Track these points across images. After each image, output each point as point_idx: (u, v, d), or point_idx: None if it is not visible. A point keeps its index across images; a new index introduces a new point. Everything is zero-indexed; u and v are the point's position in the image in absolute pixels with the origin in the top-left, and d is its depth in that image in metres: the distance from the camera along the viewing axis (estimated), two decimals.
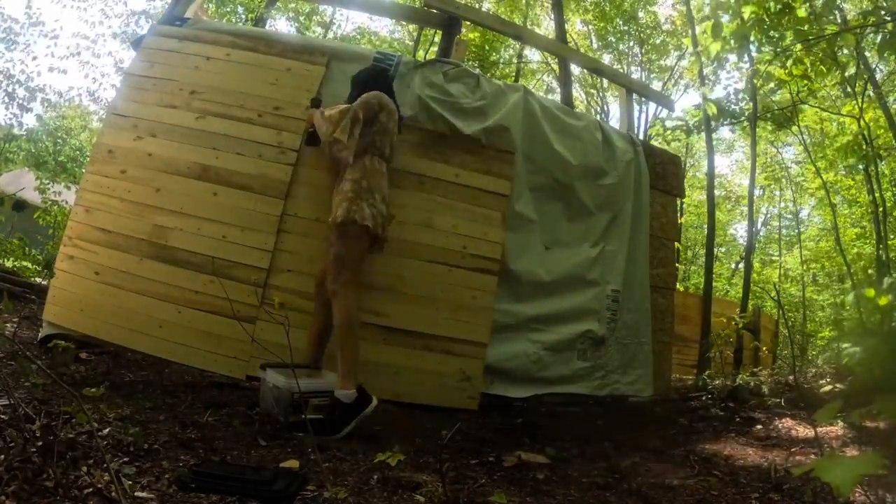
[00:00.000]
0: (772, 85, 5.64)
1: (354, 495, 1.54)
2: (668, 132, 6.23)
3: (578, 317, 3.24)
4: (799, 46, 3.95)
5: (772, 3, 3.61)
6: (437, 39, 6.66)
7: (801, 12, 3.60)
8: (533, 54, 13.45)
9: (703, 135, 5.92)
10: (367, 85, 2.63)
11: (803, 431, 2.75)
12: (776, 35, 4.01)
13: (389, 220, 2.59)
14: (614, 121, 14.59)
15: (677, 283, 5.04)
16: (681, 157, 7.19)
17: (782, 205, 16.04)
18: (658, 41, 14.17)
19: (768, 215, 17.19)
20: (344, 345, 2.31)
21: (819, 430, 2.65)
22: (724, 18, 3.79)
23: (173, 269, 2.67)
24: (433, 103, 3.07)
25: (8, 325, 2.86)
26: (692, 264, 15.73)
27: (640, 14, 13.56)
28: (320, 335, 2.51)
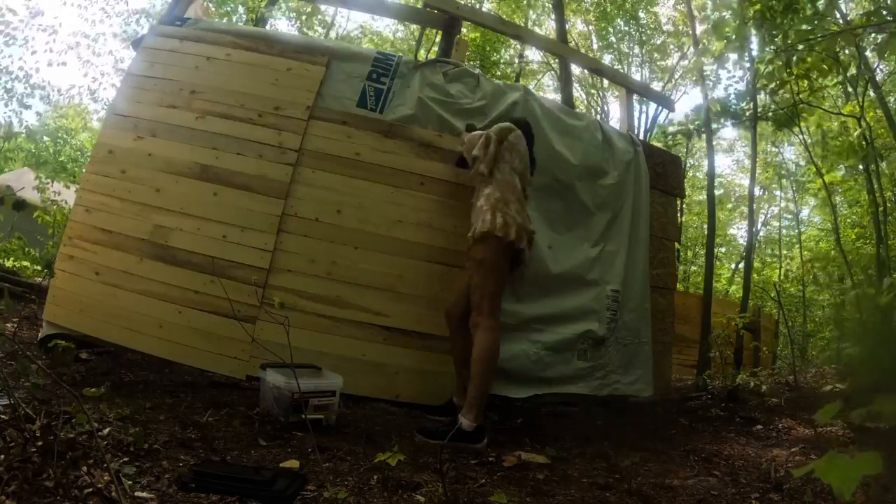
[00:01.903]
0: (772, 85, 5.64)
1: (354, 495, 1.54)
2: (668, 138, 6.23)
3: (578, 317, 3.24)
4: (800, 46, 3.95)
5: (774, 2, 3.62)
6: (437, 39, 6.67)
7: (806, 11, 3.60)
8: (533, 54, 13.46)
9: (703, 136, 5.92)
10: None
11: (803, 431, 2.75)
12: (778, 34, 4.01)
13: (529, 233, 2.55)
14: (614, 121, 14.60)
15: (677, 283, 5.04)
16: (681, 157, 7.19)
17: (782, 205, 16.04)
18: (659, 42, 14.17)
19: (768, 215, 17.19)
20: (479, 378, 2.32)
21: (819, 430, 2.65)
22: (726, 16, 3.80)
23: (173, 269, 2.67)
24: (433, 103, 3.07)
25: (8, 325, 2.86)
26: (692, 264, 15.73)
27: (641, 14, 13.56)
28: (465, 361, 2.45)
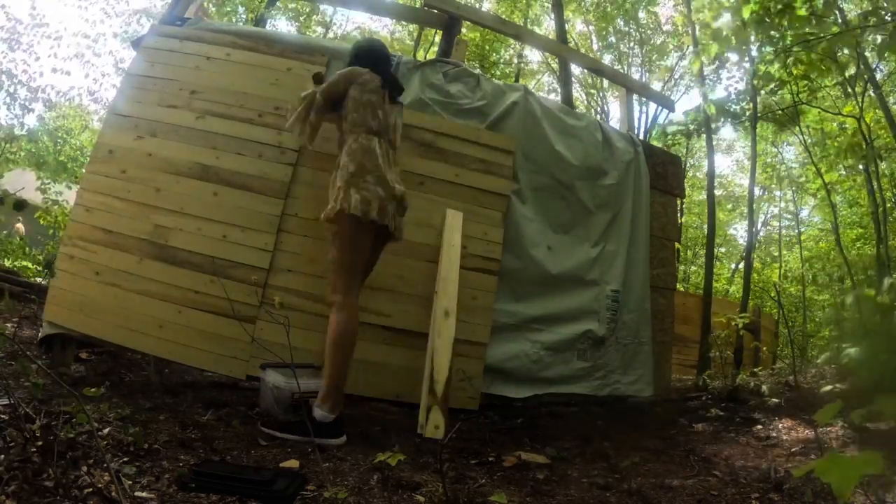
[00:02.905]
0: (772, 85, 5.64)
1: (354, 495, 1.54)
2: (668, 137, 6.23)
3: (578, 317, 3.24)
4: (798, 47, 3.95)
5: (772, 3, 3.62)
6: (437, 39, 6.67)
7: (802, 12, 3.60)
8: (533, 54, 13.47)
9: (703, 136, 5.92)
10: (353, 61, 2.53)
11: (803, 432, 2.75)
12: (776, 35, 4.01)
13: (394, 199, 2.29)
14: (614, 121, 14.60)
15: (677, 283, 5.04)
16: (681, 157, 7.19)
17: (782, 205, 16.04)
18: (659, 42, 14.17)
19: (768, 215, 17.19)
20: (331, 361, 2.11)
21: (819, 430, 2.65)
22: (726, 17, 3.80)
23: (173, 269, 2.66)
24: (433, 103, 3.07)
25: (8, 325, 2.87)
26: (692, 264, 15.72)
27: (641, 14, 13.56)
28: None
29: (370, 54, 2.55)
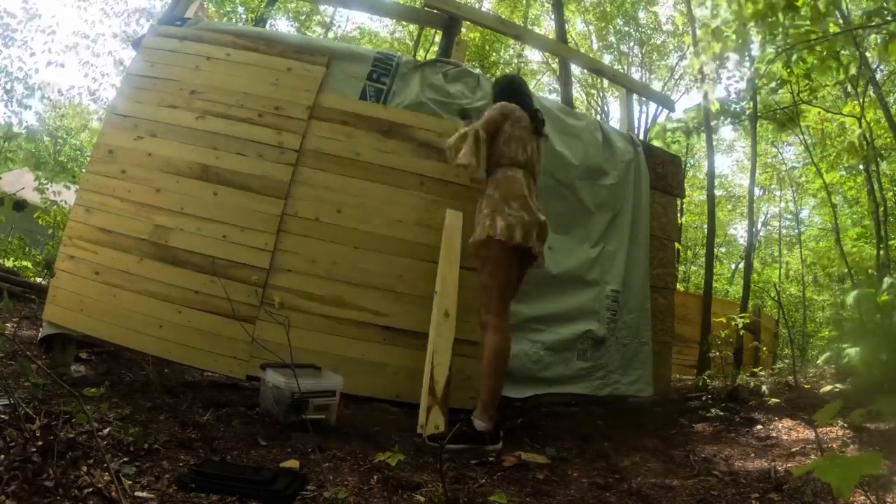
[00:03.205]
0: (773, 84, 5.64)
1: (354, 495, 1.54)
2: (668, 134, 6.23)
3: (578, 317, 3.24)
4: (800, 46, 3.95)
5: (775, 0, 3.61)
6: (437, 39, 6.66)
7: (805, 11, 3.60)
8: (533, 55, 13.47)
9: (703, 135, 5.92)
10: (498, 96, 2.69)
11: (803, 432, 2.75)
12: (778, 34, 4.01)
13: (538, 226, 2.42)
14: (614, 121, 14.60)
15: (677, 284, 5.04)
16: (681, 157, 7.19)
17: (782, 205, 16.04)
18: (659, 42, 14.18)
19: (768, 215, 17.19)
20: (488, 379, 2.29)
21: (819, 430, 2.65)
22: (726, 16, 3.80)
23: (173, 269, 2.67)
24: (433, 104, 3.07)
25: (8, 325, 2.87)
26: (692, 264, 15.73)
27: (641, 14, 13.57)
28: None
29: (513, 90, 2.72)
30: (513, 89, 2.73)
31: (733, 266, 17.17)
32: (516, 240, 2.32)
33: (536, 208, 2.46)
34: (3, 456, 1.28)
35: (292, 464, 1.74)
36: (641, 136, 9.10)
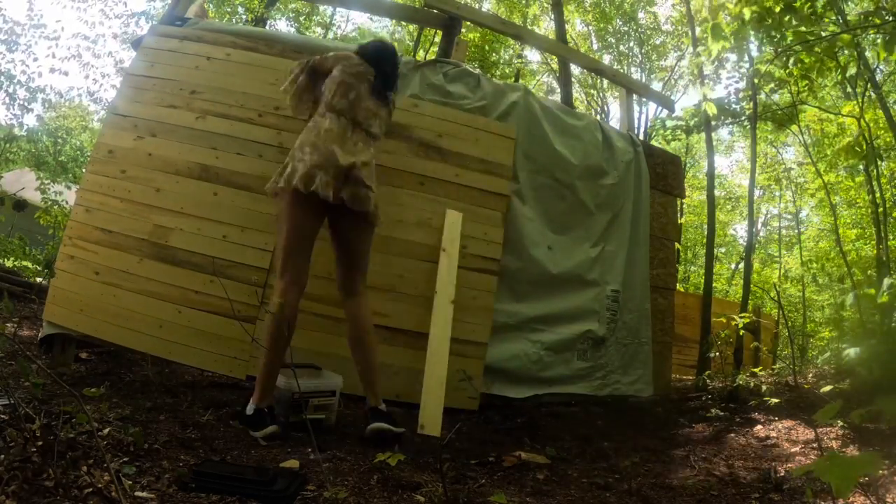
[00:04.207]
0: (772, 85, 5.64)
1: (354, 495, 1.54)
2: (668, 132, 6.23)
3: (578, 317, 3.24)
4: (799, 46, 3.95)
5: (772, 2, 3.61)
6: (437, 39, 6.67)
7: (804, 11, 3.60)
8: (533, 55, 13.46)
9: (703, 135, 5.92)
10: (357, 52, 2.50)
11: (803, 432, 2.75)
12: (777, 35, 4.01)
13: (334, 169, 2.10)
14: (614, 121, 14.60)
15: (677, 283, 5.04)
16: (681, 157, 7.20)
17: (782, 205, 16.03)
18: (658, 42, 14.18)
19: (768, 215, 17.19)
20: (265, 353, 2.04)
21: (819, 430, 2.65)
22: (725, 14, 3.80)
23: (173, 269, 2.66)
24: (433, 104, 3.07)
25: (8, 325, 2.86)
26: (692, 264, 15.72)
27: (640, 14, 13.57)
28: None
29: (374, 51, 2.50)
30: (375, 52, 2.47)
31: (733, 266, 17.17)
32: (294, 184, 2.06)
33: (340, 152, 2.14)
34: (3, 456, 1.28)
35: (292, 464, 1.74)
36: (641, 136, 9.10)
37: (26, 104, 8.10)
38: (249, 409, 2.06)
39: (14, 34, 8.01)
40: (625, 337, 3.39)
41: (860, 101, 5.66)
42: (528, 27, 11.92)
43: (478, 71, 3.45)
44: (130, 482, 1.39)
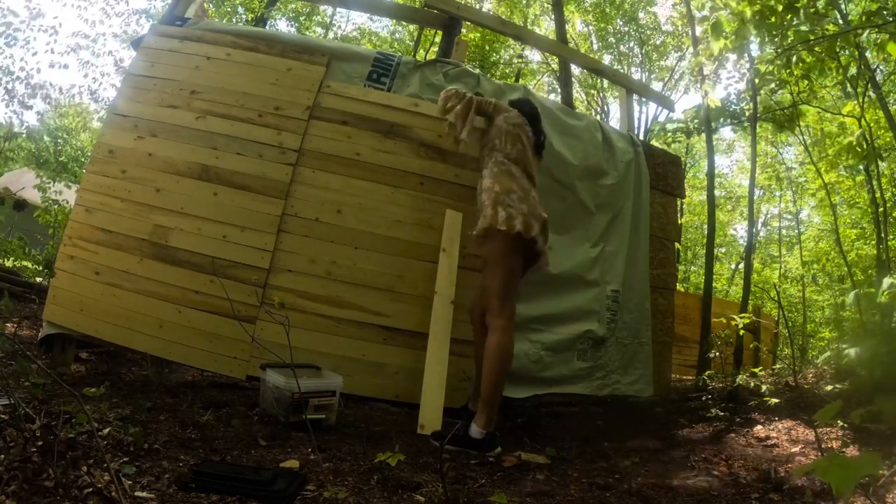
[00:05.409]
0: (772, 85, 5.64)
1: (354, 495, 1.54)
2: (668, 135, 6.22)
3: (578, 317, 3.24)
4: (801, 46, 3.94)
5: (773, 1, 3.61)
6: (437, 39, 6.67)
7: (807, 8, 3.59)
8: (533, 55, 13.44)
9: (703, 135, 5.91)
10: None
11: (803, 432, 2.75)
12: (778, 34, 4.00)
13: (540, 221, 2.36)
14: (614, 121, 14.60)
15: (677, 283, 5.03)
16: (681, 157, 7.19)
17: (782, 205, 16.02)
18: (658, 42, 14.17)
19: (768, 215, 17.18)
20: (489, 382, 2.22)
21: (819, 430, 2.65)
22: (725, 13, 3.79)
23: (173, 269, 2.67)
24: (434, 104, 3.07)
25: (8, 325, 2.87)
26: (692, 264, 15.71)
27: (641, 14, 13.56)
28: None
29: (531, 110, 2.71)
30: (533, 109, 2.73)
31: (733, 266, 17.16)
32: (517, 228, 2.26)
33: (537, 203, 2.42)
34: (3, 456, 1.28)
35: (292, 464, 1.74)
36: (641, 136, 9.10)
37: (25, 100, 8.08)
38: (478, 434, 2.15)
39: (12, 27, 7.95)
40: (625, 337, 3.39)
41: (860, 100, 5.66)
42: (529, 27, 11.92)
43: (478, 71, 3.45)
44: (130, 482, 1.39)
